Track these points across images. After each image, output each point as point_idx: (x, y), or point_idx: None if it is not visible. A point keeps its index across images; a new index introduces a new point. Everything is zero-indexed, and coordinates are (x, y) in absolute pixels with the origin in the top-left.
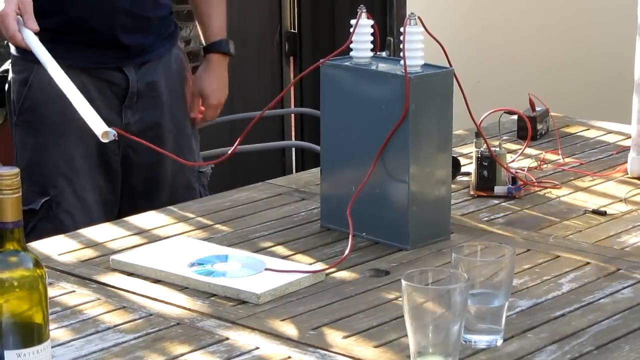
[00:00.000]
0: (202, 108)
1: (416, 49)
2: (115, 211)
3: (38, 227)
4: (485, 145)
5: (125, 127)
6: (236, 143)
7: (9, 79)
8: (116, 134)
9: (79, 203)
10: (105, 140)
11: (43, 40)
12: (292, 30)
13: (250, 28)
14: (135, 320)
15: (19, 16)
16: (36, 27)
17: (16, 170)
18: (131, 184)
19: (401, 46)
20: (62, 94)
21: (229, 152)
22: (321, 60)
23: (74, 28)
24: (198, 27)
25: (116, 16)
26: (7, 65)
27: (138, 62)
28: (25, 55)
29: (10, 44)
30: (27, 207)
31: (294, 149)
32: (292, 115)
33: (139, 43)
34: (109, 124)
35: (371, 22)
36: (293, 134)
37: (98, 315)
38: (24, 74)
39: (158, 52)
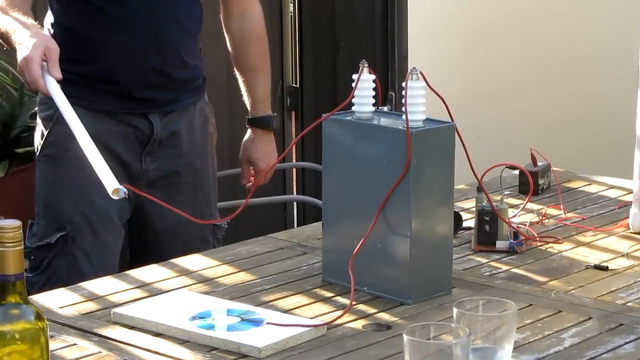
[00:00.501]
0: (253, 173)
1: (418, 104)
2: (127, 254)
3: (53, 264)
4: (486, 200)
5: (144, 172)
6: (247, 198)
7: (37, 120)
8: (127, 192)
9: (95, 241)
10: (115, 197)
11: (70, 82)
12: (293, 85)
13: None
14: None
15: (43, 62)
16: (59, 76)
17: (18, 223)
18: (144, 231)
19: (403, 101)
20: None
21: (240, 208)
22: (325, 115)
23: (102, 78)
24: (243, 92)
25: (144, 73)
26: (34, 110)
27: (163, 111)
28: None
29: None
30: (43, 242)
31: (295, 203)
32: (294, 169)
33: (161, 97)
34: (129, 169)
35: (373, 76)
36: (294, 188)
37: None
38: (50, 110)
39: (183, 104)
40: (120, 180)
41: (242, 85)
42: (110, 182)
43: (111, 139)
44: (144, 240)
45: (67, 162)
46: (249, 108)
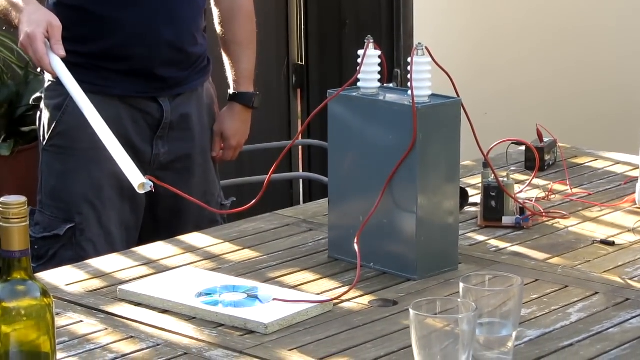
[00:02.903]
0: (222, 146)
1: (423, 79)
2: (135, 244)
3: (59, 254)
4: (493, 175)
5: (155, 157)
6: (263, 188)
7: (41, 106)
8: (152, 186)
9: (103, 233)
10: (141, 192)
11: (79, 66)
12: (299, 63)
13: (257, 60)
14: (142, 350)
15: (46, 39)
16: (63, 53)
17: (23, 199)
18: (156, 214)
19: (408, 76)
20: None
21: (255, 200)
22: (334, 93)
23: (114, 55)
24: (227, 67)
25: (158, 47)
26: (39, 94)
27: (173, 94)
28: None
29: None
30: (51, 233)
31: (301, 181)
32: (300, 146)
33: (175, 76)
34: (139, 154)
35: (378, 52)
36: (300, 165)
37: (106, 345)
38: (58, 99)
39: (192, 85)
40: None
41: (227, 61)
42: (135, 177)
43: (121, 124)
44: (156, 220)
45: (77, 153)
46: (231, 83)
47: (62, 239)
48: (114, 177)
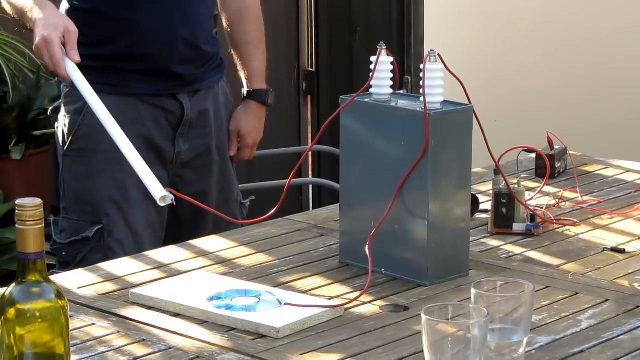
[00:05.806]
0: (238, 146)
1: (436, 86)
2: (160, 244)
3: (88, 258)
4: (503, 182)
5: (177, 155)
6: (284, 193)
7: (60, 112)
8: (173, 199)
9: (130, 233)
10: (162, 204)
11: (97, 69)
12: (309, 69)
13: (268, 66)
14: (154, 353)
15: (61, 44)
16: (78, 59)
17: (39, 201)
18: (178, 214)
19: (420, 83)
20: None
21: (277, 207)
22: (348, 100)
23: (131, 55)
24: (239, 67)
25: (174, 45)
26: (57, 104)
27: (191, 90)
28: None
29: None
30: (79, 237)
31: (311, 186)
32: (310, 152)
33: (191, 73)
34: (162, 153)
35: (391, 59)
36: (310, 171)
37: (118, 348)
38: (78, 103)
39: (209, 82)
40: (152, 165)
41: (238, 60)
42: (157, 190)
43: (143, 124)
44: (178, 220)
45: (100, 154)
46: (244, 82)
47: (91, 242)
48: (137, 177)
